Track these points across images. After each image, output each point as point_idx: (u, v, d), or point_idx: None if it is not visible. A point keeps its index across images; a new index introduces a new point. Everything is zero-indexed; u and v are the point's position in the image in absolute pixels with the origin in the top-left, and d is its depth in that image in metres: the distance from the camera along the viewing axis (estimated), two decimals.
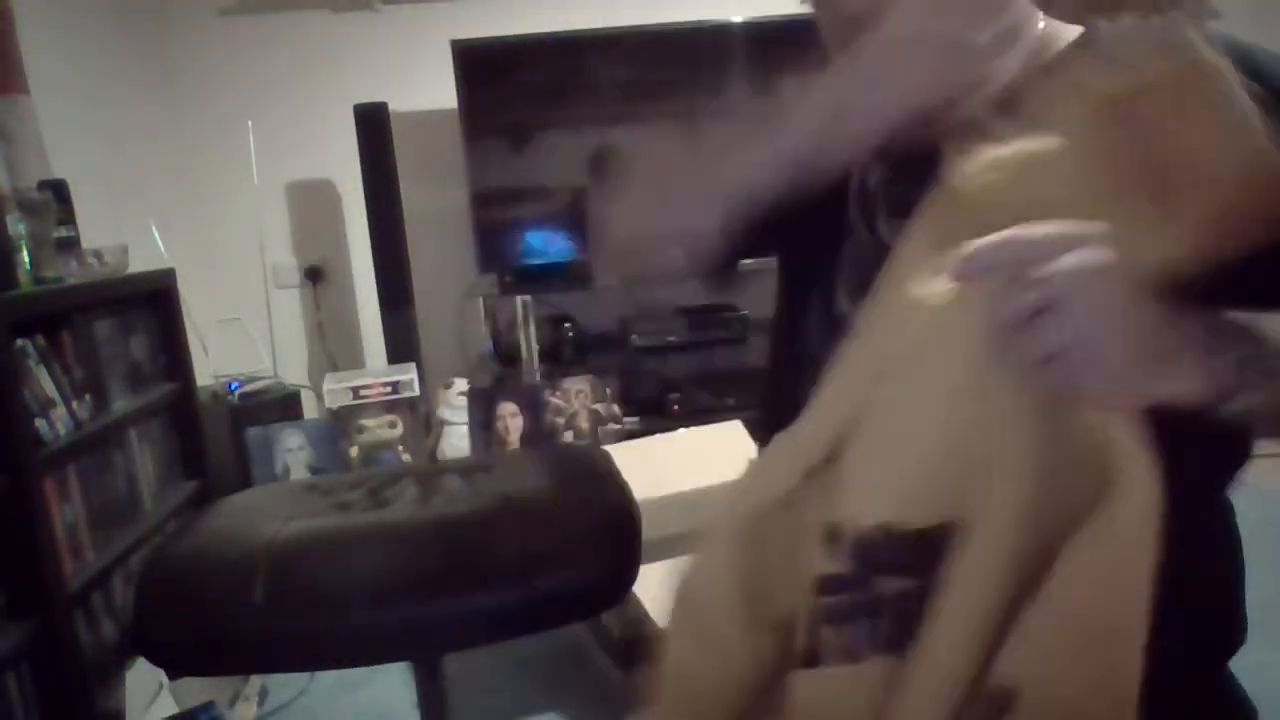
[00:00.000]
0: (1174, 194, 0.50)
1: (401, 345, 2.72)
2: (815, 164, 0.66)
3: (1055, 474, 0.52)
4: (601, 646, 1.82)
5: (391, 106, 2.65)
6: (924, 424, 0.55)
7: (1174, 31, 0.57)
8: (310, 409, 2.89)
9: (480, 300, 2.81)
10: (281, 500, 1.08)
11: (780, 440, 0.63)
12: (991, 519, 0.52)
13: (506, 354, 2.85)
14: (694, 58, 2.78)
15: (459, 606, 0.90)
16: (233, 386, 2.56)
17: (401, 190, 2.68)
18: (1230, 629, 0.70)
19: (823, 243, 0.78)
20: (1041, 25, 0.74)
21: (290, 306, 3.04)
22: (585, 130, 2.79)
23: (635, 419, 2.67)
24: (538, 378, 2.69)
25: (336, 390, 2.50)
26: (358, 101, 2.62)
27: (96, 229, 1.96)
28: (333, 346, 3.05)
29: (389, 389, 2.52)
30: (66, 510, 1.49)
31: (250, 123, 2.76)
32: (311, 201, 3.00)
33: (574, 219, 2.82)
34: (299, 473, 2.46)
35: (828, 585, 0.57)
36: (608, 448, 1.72)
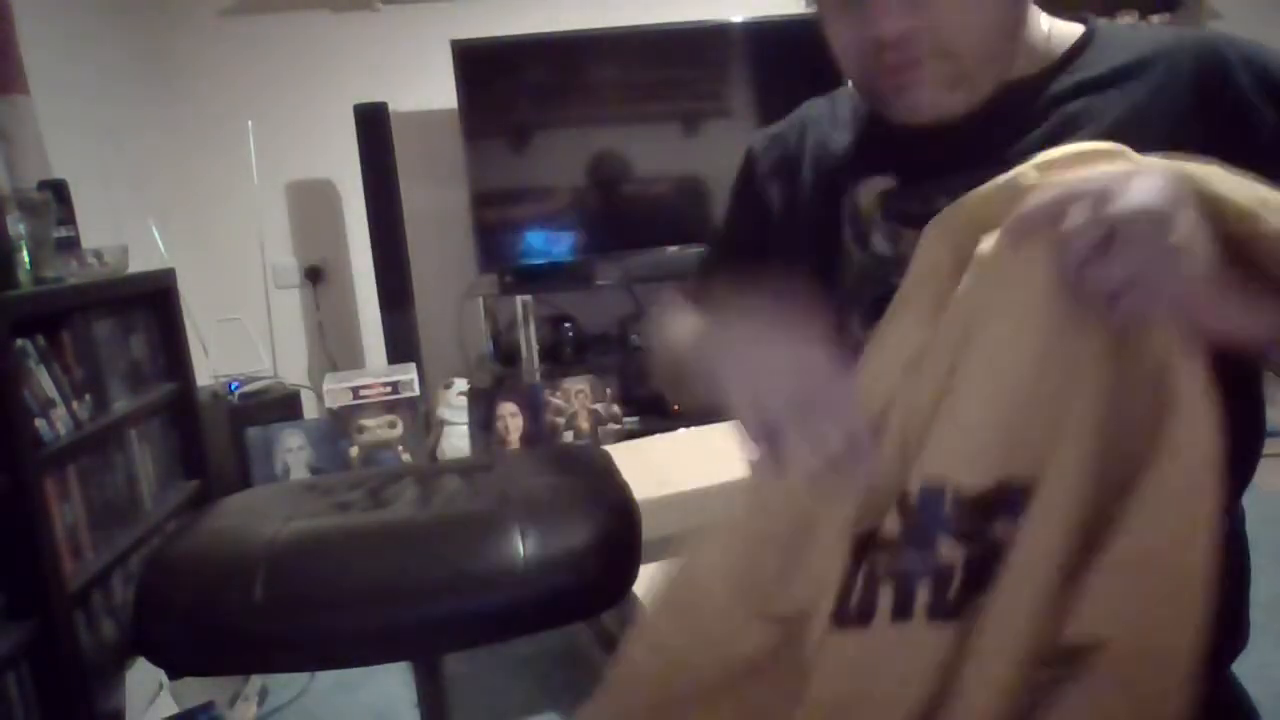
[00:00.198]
0: None
1: (401, 345, 2.71)
2: None
3: (1121, 428, 0.52)
4: (601, 646, 1.82)
5: (391, 106, 2.65)
6: (989, 385, 0.55)
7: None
8: (310, 409, 2.89)
9: (480, 300, 2.81)
10: (281, 500, 1.08)
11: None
12: (1061, 477, 0.53)
13: (506, 354, 2.84)
14: (694, 58, 2.77)
15: (459, 606, 0.90)
16: (233, 386, 2.56)
17: (401, 190, 2.68)
18: (1234, 631, 0.70)
19: (817, 266, 0.79)
20: (1046, 26, 0.74)
21: (290, 306, 3.04)
22: (585, 130, 2.79)
23: (635, 419, 2.67)
24: (538, 378, 2.69)
25: (336, 390, 2.50)
26: (358, 101, 2.62)
27: (96, 229, 1.96)
28: (333, 346, 3.05)
29: (389, 389, 2.51)
30: (66, 510, 1.49)
31: (250, 123, 2.76)
32: (311, 201, 3.00)
33: (574, 219, 2.83)
34: (299, 473, 2.46)
35: (890, 543, 0.57)
36: (608, 448, 1.72)
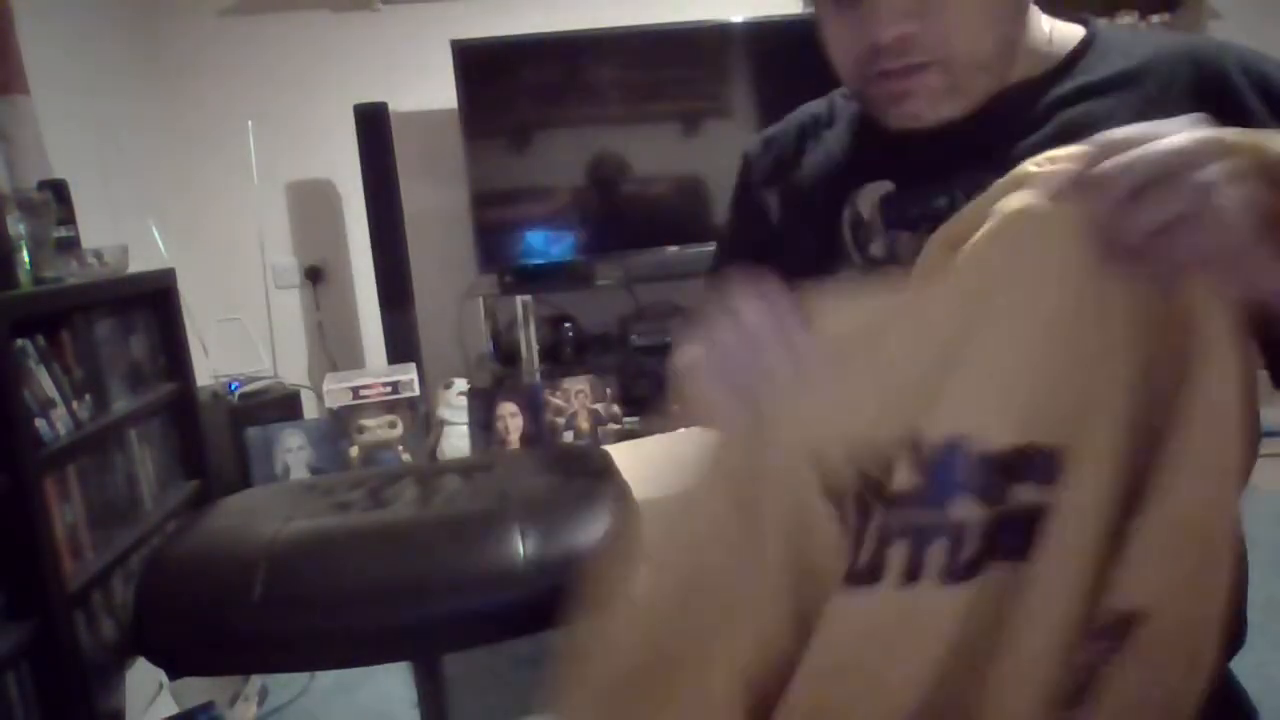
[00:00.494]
0: None
1: (401, 345, 2.72)
2: None
3: (1154, 392, 0.52)
4: None
5: (391, 106, 2.65)
6: (1012, 347, 0.54)
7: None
8: (310, 409, 2.89)
9: (480, 300, 2.81)
10: (281, 500, 1.08)
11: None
12: (1097, 444, 0.52)
13: (506, 354, 2.84)
14: (694, 58, 2.78)
15: (459, 606, 0.90)
16: (233, 386, 2.56)
17: (401, 190, 2.68)
18: (1232, 631, 0.70)
19: (817, 272, 0.78)
20: (1047, 28, 0.74)
21: (290, 306, 3.04)
22: (585, 130, 2.79)
23: (635, 419, 2.67)
24: (538, 378, 2.69)
25: (336, 390, 2.50)
26: (358, 101, 2.62)
27: (96, 229, 1.96)
28: (333, 346, 3.05)
29: (389, 389, 2.51)
30: (66, 510, 1.49)
31: (250, 123, 2.76)
32: (311, 201, 3.00)
33: (574, 219, 2.83)
34: (299, 473, 2.46)
35: (904, 498, 0.56)
36: (608, 448, 1.72)
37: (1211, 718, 0.57)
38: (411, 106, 2.85)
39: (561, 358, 2.82)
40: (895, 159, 0.76)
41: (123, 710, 1.53)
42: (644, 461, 1.80)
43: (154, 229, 2.45)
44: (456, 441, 2.60)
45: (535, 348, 2.72)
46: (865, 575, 0.57)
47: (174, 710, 1.60)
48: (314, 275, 3.02)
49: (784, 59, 2.75)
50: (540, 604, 0.90)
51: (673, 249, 2.80)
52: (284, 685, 1.87)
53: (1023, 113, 0.71)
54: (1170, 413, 0.51)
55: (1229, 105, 0.64)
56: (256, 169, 2.76)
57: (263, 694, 1.83)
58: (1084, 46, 0.72)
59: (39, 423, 1.43)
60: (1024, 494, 0.55)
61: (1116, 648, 0.53)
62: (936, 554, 0.56)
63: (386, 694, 1.82)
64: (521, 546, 0.91)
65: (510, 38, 2.70)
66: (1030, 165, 0.56)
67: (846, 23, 0.70)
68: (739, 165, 0.91)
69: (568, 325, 2.85)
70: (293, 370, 3.00)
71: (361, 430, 2.50)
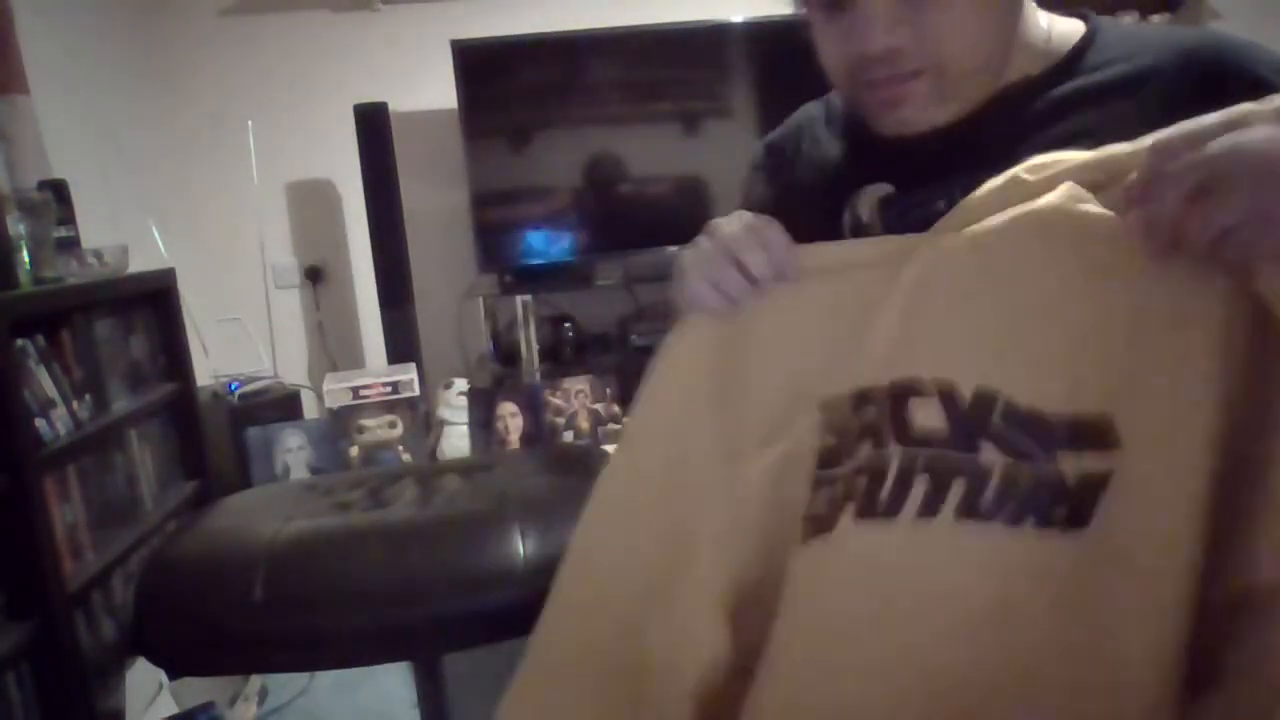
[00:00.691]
0: None
1: (401, 345, 2.71)
2: None
3: (1247, 377, 0.52)
4: None
5: (391, 106, 2.65)
6: (1047, 323, 0.56)
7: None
8: (310, 409, 2.89)
9: (480, 300, 2.81)
10: (281, 500, 1.08)
11: None
12: (1161, 421, 0.53)
13: (506, 354, 2.84)
14: (694, 58, 2.77)
15: (459, 606, 0.90)
16: (233, 386, 2.56)
17: (401, 190, 2.68)
18: None
19: None
20: (1045, 24, 0.73)
21: (290, 306, 3.03)
22: (585, 130, 2.79)
23: None
24: (538, 378, 2.69)
25: (336, 390, 2.49)
26: (358, 101, 2.62)
27: (96, 229, 1.95)
28: (333, 346, 3.05)
29: (389, 389, 2.51)
30: (66, 510, 1.49)
31: (250, 123, 2.76)
32: (311, 201, 3.00)
33: (574, 219, 2.82)
34: (299, 473, 2.46)
35: (933, 439, 0.58)
36: (608, 448, 1.72)
37: None
38: (411, 106, 2.85)
39: (561, 358, 2.81)
40: (894, 161, 0.75)
41: (123, 710, 1.52)
42: None
43: (154, 229, 2.44)
44: (456, 441, 2.60)
45: (535, 348, 2.72)
46: (885, 509, 0.59)
47: (174, 710, 1.60)
48: (314, 275, 3.02)
49: (784, 59, 2.73)
50: (540, 604, 0.90)
51: (673, 249, 2.79)
52: (284, 685, 1.87)
53: (1021, 113, 0.70)
54: (1265, 393, 0.51)
55: (1227, 105, 0.64)
56: (256, 169, 2.76)
57: (263, 694, 1.83)
58: (1084, 44, 0.71)
59: (39, 423, 1.43)
60: (1068, 462, 0.55)
61: (1253, 628, 0.53)
62: (955, 491, 0.57)
63: (386, 694, 1.82)
64: (521, 546, 0.91)
65: (510, 38, 2.70)
66: (1023, 173, 0.57)
67: (836, 31, 0.69)
68: (746, 170, 0.91)
69: (568, 325, 2.85)
70: (293, 370, 3.00)
71: (361, 430, 2.50)
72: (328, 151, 2.89)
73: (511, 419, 2.58)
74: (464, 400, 2.60)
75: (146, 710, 1.57)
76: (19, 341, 1.41)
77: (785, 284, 0.65)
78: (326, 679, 1.89)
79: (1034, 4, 0.73)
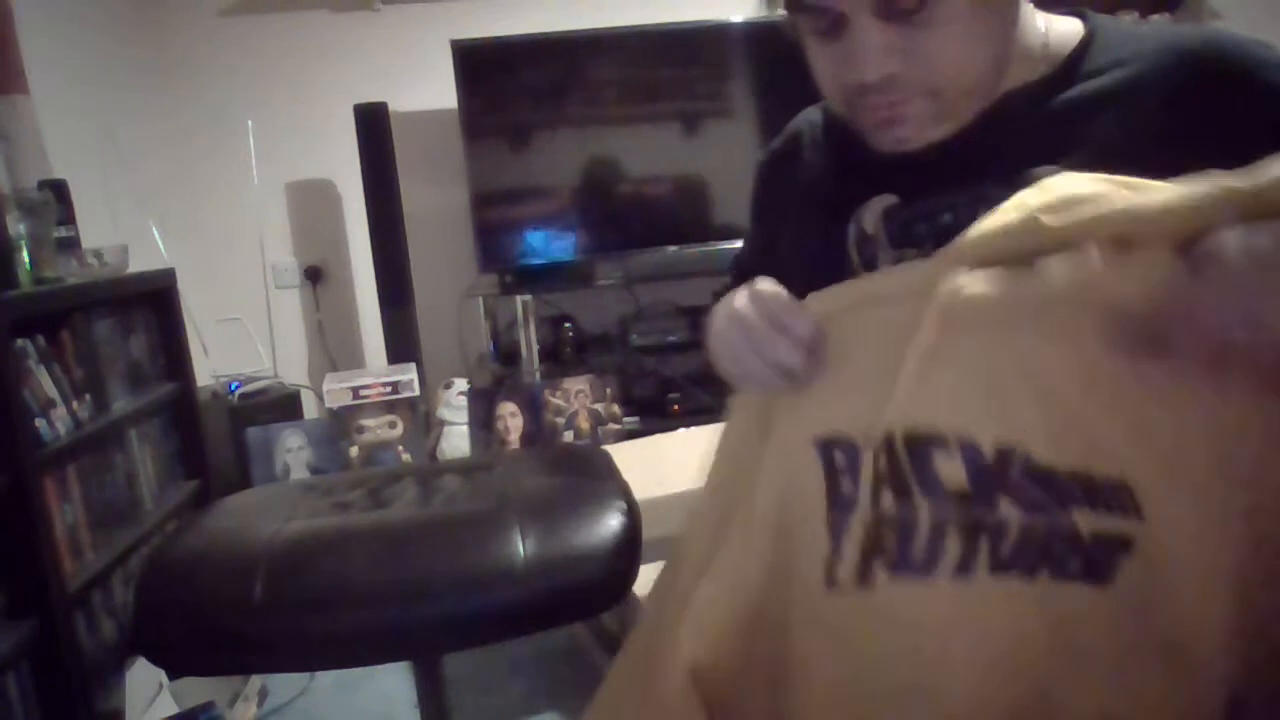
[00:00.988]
0: None
1: (401, 345, 2.71)
2: None
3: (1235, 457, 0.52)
4: (601, 646, 1.82)
5: (391, 106, 2.65)
6: (1063, 386, 0.56)
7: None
8: (310, 409, 2.89)
9: (480, 300, 2.81)
10: (281, 500, 1.08)
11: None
12: (1181, 487, 0.53)
13: (506, 354, 2.84)
14: (694, 58, 2.77)
15: (459, 606, 0.90)
16: (233, 386, 2.56)
17: (401, 190, 2.68)
18: None
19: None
20: (1043, 26, 0.73)
21: (290, 306, 3.04)
22: (585, 130, 2.79)
23: (635, 419, 2.67)
24: (538, 378, 2.69)
25: (336, 390, 2.50)
26: (358, 101, 2.62)
27: (96, 229, 1.95)
28: (333, 346, 3.05)
29: (389, 389, 2.51)
30: (66, 510, 1.49)
31: (250, 123, 2.76)
32: (311, 201, 3.00)
33: (574, 219, 2.82)
34: (299, 473, 2.46)
35: (959, 495, 0.58)
36: (608, 448, 1.72)
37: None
38: (411, 106, 2.85)
39: (561, 358, 2.82)
40: (896, 171, 0.74)
41: (123, 710, 1.52)
42: (644, 461, 1.81)
43: (154, 229, 2.45)
44: (456, 441, 2.60)
45: (535, 348, 2.72)
46: (921, 566, 0.59)
47: (174, 710, 1.60)
48: (314, 275, 3.02)
49: (784, 59, 2.73)
50: (540, 604, 0.90)
51: (673, 249, 2.80)
52: (284, 685, 1.87)
53: (1024, 120, 0.69)
54: None
55: (1237, 106, 0.63)
56: (256, 168, 2.76)
57: (263, 694, 1.83)
58: (1083, 47, 0.70)
59: (39, 423, 1.43)
60: (1084, 517, 0.55)
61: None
62: (983, 547, 0.58)
63: (386, 694, 1.82)
64: (521, 546, 0.91)
65: (510, 38, 2.70)
66: (1042, 215, 0.56)
67: (829, 56, 0.68)
68: (754, 180, 0.91)
69: (568, 325, 2.85)
70: (293, 370, 3.00)
71: (361, 430, 2.50)
72: (328, 151, 2.90)
73: (511, 419, 2.58)
74: (464, 400, 2.61)
75: (146, 710, 1.57)
76: (19, 341, 1.41)
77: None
78: (326, 679, 1.89)
79: (1031, 6, 0.72)
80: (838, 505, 0.63)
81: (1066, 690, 0.56)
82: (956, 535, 0.58)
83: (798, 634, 0.64)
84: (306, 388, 2.91)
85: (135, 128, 2.57)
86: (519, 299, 2.68)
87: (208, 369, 2.64)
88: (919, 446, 0.60)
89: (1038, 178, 0.66)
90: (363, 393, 2.50)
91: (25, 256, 1.50)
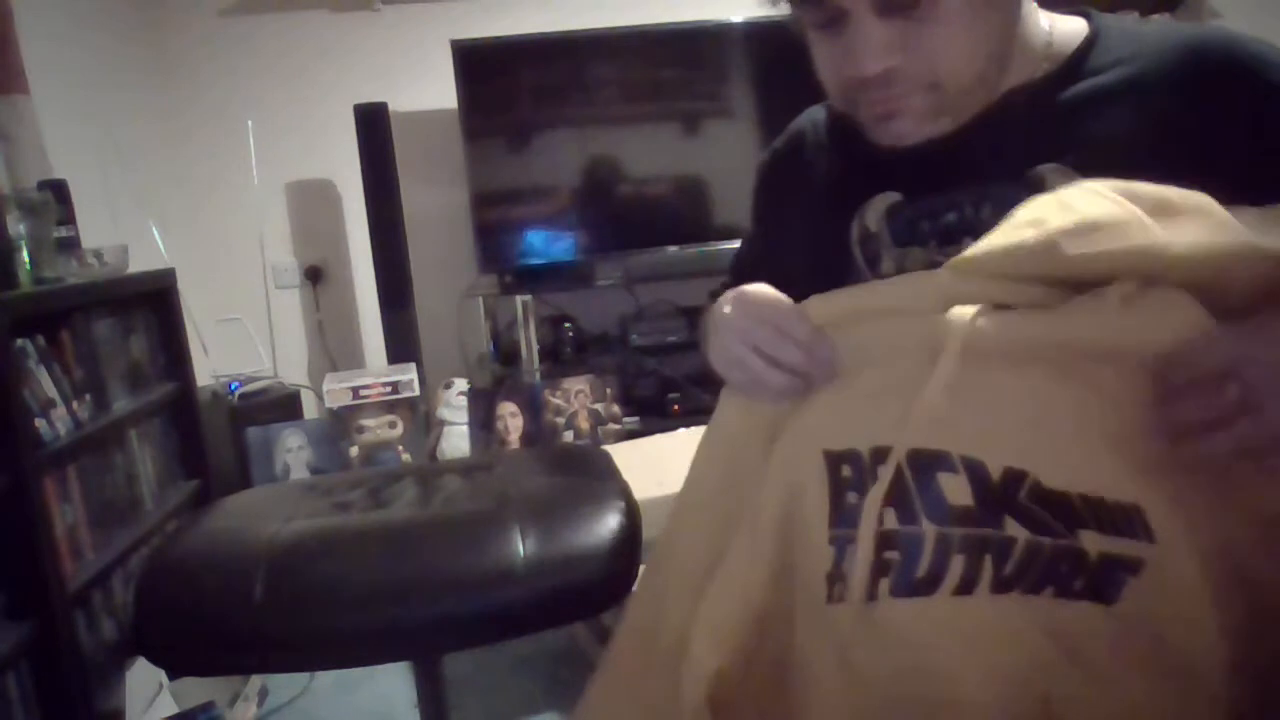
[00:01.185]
0: None
1: (401, 345, 2.71)
2: None
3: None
4: (601, 646, 1.82)
5: (391, 106, 2.65)
6: (1072, 421, 0.57)
7: None
8: (310, 409, 2.89)
9: (480, 300, 2.81)
10: (281, 500, 1.08)
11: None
12: (1193, 516, 0.54)
13: (506, 354, 2.84)
14: (694, 58, 2.77)
15: (459, 606, 0.90)
16: (233, 386, 2.56)
17: (401, 190, 2.68)
18: None
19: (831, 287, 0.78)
20: (1047, 25, 0.73)
21: (290, 306, 3.04)
22: (585, 130, 2.79)
23: (635, 419, 2.67)
24: (538, 378, 2.69)
25: (336, 390, 2.49)
26: (358, 101, 2.62)
27: (96, 229, 1.95)
28: (333, 346, 3.05)
29: (389, 389, 2.51)
30: (66, 510, 1.49)
31: (250, 123, 2.76)
32: (311, 201, 3.00)
33: (574, 219, 2.82)
34: (299, 473, 2.46)
35: (965, 515, 0.58)
36: (608, 448, 1.72)
37: None
38: (411, 106, 2.85)
39: (561, 358, 2.81)
40: (901, 169, 0.74)
41: (123, 710, 1.52)
42: (644, 461, 1.81)
43: (154, 228, 2.44)
44: (456, 441, 2.60)
45: (535, 348, 2.72)
46: (923, 587, 0.59)
47: (174, 710, 1.60)
48: (314, 275, 3.02)
49: (784, 59, 2.73)
50: (540, 604, 0.90)
51: (673, 249, 2.80)
52: (284, 685, 1.87)
53: (1027, 118, 0.69)
54: None
55: (1242, 105, 0.63)
56: (256, 168, 2.76)
57: (263, 694, 1.83)
58: (1087, 46, 0.70)
59: (39, 423, 1.43)
60: (1090, 540, 0.56)
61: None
62: (986, 567, 0.58)
63: (386, 694, 1.82)
64: (521, 546, 0.91)
65: (510, 38, 2.70)
66: (1062, 240, 0.55)
67: (830, 49, 0.68)
68: (755, 180, 0.91)
69: (568, 325, 2.85)
70: (293, 370, 3.00)
71: (361, 430, 2.50)
72: (328, 151, 2.90)
73: (511, 419, 2.58)
74: (464, 400, 2.60)
75: (146, 710, 1.57)
76: (19, 341, 1.41)
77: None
78: (326, 679, 1.89)
79: (1034, 4, 0.72)
80: (841, 520, 0.62)
81: (1069, 706, 0.56)
82: (960, 552, 0.58)
83: (800, 640, 0.64)
84: (306, 388, 2.91)
85: (135, 128, 2.57)
86: (519, 299, 2.68)
87: (208, 369, 2.64)
88: (925, 464, 0.59)
89: (1041, 175, 0.66)
90: (363, 393, 2.50)
91: (25, 256, 1.50)
